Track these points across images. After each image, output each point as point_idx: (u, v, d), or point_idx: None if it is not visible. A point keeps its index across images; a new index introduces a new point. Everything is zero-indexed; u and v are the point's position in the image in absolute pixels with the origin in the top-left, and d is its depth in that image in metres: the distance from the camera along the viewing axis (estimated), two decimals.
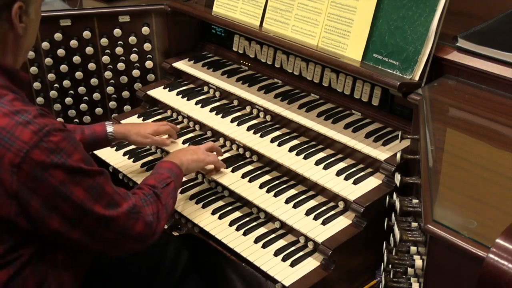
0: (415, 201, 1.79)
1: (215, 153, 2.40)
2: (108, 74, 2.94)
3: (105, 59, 2.93)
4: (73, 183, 1.58)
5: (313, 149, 2.34)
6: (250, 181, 2.32)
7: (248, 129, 2.49)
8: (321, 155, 2.31)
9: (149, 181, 1.98)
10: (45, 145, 1.52)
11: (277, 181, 2.32)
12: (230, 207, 2.32)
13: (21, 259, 1.64)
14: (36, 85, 2.96)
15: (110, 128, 2.36)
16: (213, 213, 2.28)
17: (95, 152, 2.56)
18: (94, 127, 2.36)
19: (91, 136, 2.33)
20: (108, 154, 2.62)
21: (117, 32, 2.89)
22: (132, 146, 2.63)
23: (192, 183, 2.44)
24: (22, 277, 1.65)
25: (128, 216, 1.73)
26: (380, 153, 2.18)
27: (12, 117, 1.53)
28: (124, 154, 2.62)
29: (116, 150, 2.65)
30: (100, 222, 1.66)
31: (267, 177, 2.35)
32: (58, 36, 2.85)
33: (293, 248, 2.12)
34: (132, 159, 2.59)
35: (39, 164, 1.52)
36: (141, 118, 2.76)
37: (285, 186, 2.30)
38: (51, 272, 1.72)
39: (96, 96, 3.00)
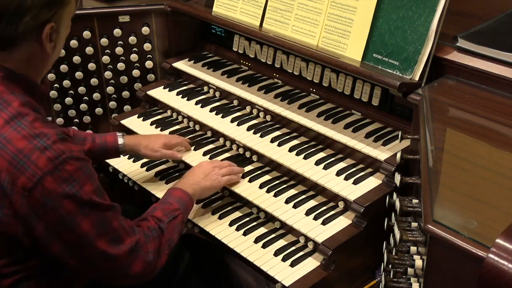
0: (415, 201, 1.79)
1: (226, 164, 2.32)
2: (108, 74, 2.94)
3: (105, 59, 2.93)
4: (81, 215, 1.57)
5: (313, 149, 2.34)
6: (250, 181, 2.32)
7: (248, 129, 2.49)
8: (321, 155, 2.31)
9: (157, 213, 1.92)
10: (59, 173, 1.51)
11: (277, 181, 2.32)
12: (230, 207, 2.32)
13: (24, 271, 1.64)
14: None
15: (120, 140, 2.33)
16: (213, 213, 2.28)
17: None
18: (105, 137, 2.33)
19: (102, 146, 2.31)
20: None
21: (117, 32, 2.89)
22: None
23: None
24: (27, 284, 1.65)
25: (129, 254, 1.70)
26: (380, 153, 2.18)
27: (31, 140, 1.51)
28: (124, 154, 2.61)
29: None
30: (99, 256, 1.65)
31: (267, 177, 2.35)
32: None
33: (293, 248, 2.12)
34: (132, 159, 2.59)
35: (50, 191, 1.51)
36: (141, 118, 2.76)
37: (285, 186, 2.30)
38: (54, 285, 1.73)
39: (96, 96, 3.00)
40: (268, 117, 2.55)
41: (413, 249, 1.70)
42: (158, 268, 1.81)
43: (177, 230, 1.94)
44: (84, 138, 2.29)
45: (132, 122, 2.75)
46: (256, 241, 2.15)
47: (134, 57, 2.91)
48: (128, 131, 2.71)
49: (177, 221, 1.94)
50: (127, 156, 2.60)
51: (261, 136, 2.44)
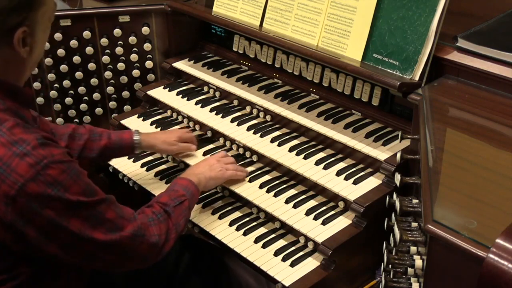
0: (415, 201, 1.79)
1: (231, 160, 2.34)
2: (108, 74, 2.94)
3: (105, 59, 2.93)
4: (70, 214, 1.55)
5: (313, 149, 2.34)
6: (250, 181, 2.32)
7: (248, 129, 2.49)
8: (321, 155, 2.31)
9: (162, 199, 1.93)
10: (41, 178, 1.49)
11: (277, 181, 2.32)
12: (230, 207, 2.32)
13: (20, 277, 1.62)
14: (36, 85, 2.96)
15: (136, 137, 2.34)
16: (213, 213, 2.28)
17: None
18: (121, 134, 2.34)
19: (117, 142, 2.31)
20: None
21: (117, 32, 2.89)
22: None
23: None
24: None
25: (131, 239, 1.68)
26: (380, 153, 2.18)
27: (10, 147, 1.49)
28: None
29: None
30: (100, 247, 1.63)
31: (267, 177, 2.35)
32: (58, 36, 2.85)
33: (293, 248, 2.12)
34: (132, 159, 2.59)
35: (34, 197, 1.49)
36: (141, 118, 2.76)
37: (285, 186, 2.30)
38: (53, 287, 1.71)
39: (96, 96, 3.00)
40: (268, 117, 2.55)
41: (413, 249, 1.70)
42: (165, 251, 1.81)
43: (183, 215, 1.92)
44: (100, 134, 2.29)
45: (132, 122, 2.75)
46: (256, 241, 2.15)
47: (134, 57, 2.91)
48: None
49: (183, 206, 1.93)
50: (127, 156, 2.60)
51: (261, 136, 2.44)
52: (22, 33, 1.55)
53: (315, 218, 2.13)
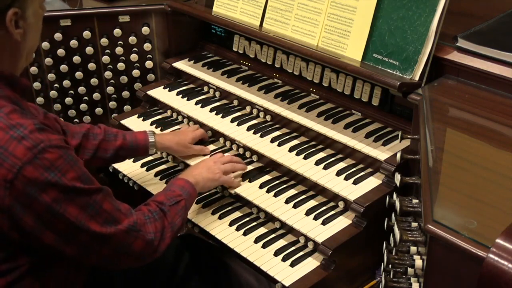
0: (415, 201, 1.79)
1: (228, 159, 2.34)
2: (108, 74, 2.94)
3: (105, 59, 2.93)
4: (67, 201, 1.55)
5: (313, 149, 2.34)
6: (250, 181, 2.32)
7: (248, 129, 2.49)
8: (321, 155, 2.31)
9: (158, 198, 1.93)
10: (39, 162, 1.49)
11: (277, 181, 2.32)
12: (230, 207, 2.32)
13: (20, 269, 1.62)
14: (36, 85, 2.96)
15: (151, 138, 2.33)
16: (213, 213, 2.28)
17: None
18: (136, 135, 2.34)
19: (132, 143, 2.30)
20: None
21: (117, 32, 2.89)
22: None
23: None
24: (20, 285, 1.63)
25: (127, 233, 1.68)
26: (380, 153, 2.18)
27: (7, 131, 1.50)
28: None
29: None
30: (95, 239, 1.62)
31: (267, 177, 2.35)
32: (58, 36, 2.85)
33: (293, 248, 2.12)
34: (132, 159, 2.59)
35: (32, 181, 1.49)
36: (141, 118, 2.76)
37: (285, 186, 2.30)
38: (52, 281, 1.71)
39: (96, 96, 3.00)
40: (268, 117, 2.55)
41: (413, 249, 1.70)
42: (161, 250, 1.81)
43: (180, 215, 1.92)
44: (115, 134, 2.29)
45: (132, 122, 2.75)
46: (256, 241, 2.15)
47: (134, 57, 2.91)
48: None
49: (179, 206, 1.94)
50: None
51: (261, 136, 2.44)
52: (14, 15, 1.56)
53: (315, 218, 2.13)
